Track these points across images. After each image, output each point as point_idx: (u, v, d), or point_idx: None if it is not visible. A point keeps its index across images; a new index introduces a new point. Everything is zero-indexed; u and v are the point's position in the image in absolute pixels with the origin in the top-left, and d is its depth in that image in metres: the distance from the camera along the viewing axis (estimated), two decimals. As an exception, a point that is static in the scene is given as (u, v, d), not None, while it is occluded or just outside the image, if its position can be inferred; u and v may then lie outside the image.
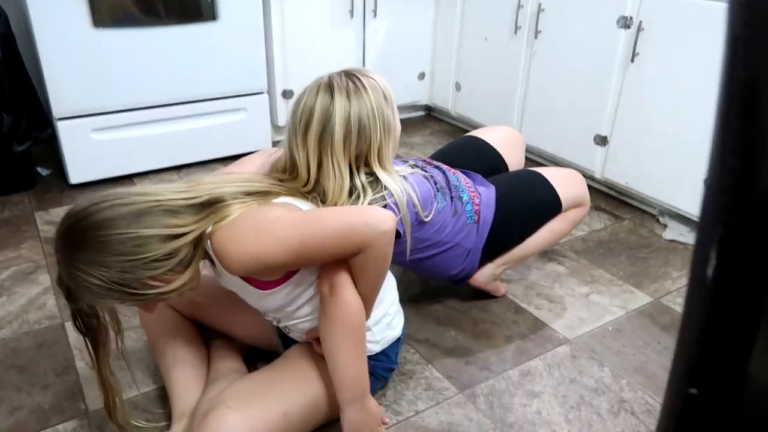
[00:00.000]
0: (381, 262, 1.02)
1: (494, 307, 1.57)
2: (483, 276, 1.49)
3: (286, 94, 2.44)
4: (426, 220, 1.24)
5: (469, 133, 1.71)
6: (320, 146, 1.10)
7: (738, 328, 0.33)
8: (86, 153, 2.11)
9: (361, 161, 1.14)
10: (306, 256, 0.98)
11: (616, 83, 1.98)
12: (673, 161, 1.87)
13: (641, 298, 1.62)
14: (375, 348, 1.18)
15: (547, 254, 1.81)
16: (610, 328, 1.50)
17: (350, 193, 1.12)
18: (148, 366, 1.32)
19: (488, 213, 1.39)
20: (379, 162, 1.15)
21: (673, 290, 1.66)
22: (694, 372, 0.35)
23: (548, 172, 1.51)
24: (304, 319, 1.13)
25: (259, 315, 1.27)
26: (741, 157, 0.30)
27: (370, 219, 0.98)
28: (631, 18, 1.88)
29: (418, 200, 1.20)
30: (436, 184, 1.31)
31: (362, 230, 0.97)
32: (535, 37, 2.23)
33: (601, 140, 2.08)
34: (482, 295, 1.60)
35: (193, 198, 0.94)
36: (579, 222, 1.54)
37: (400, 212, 1.15)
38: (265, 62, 2.33)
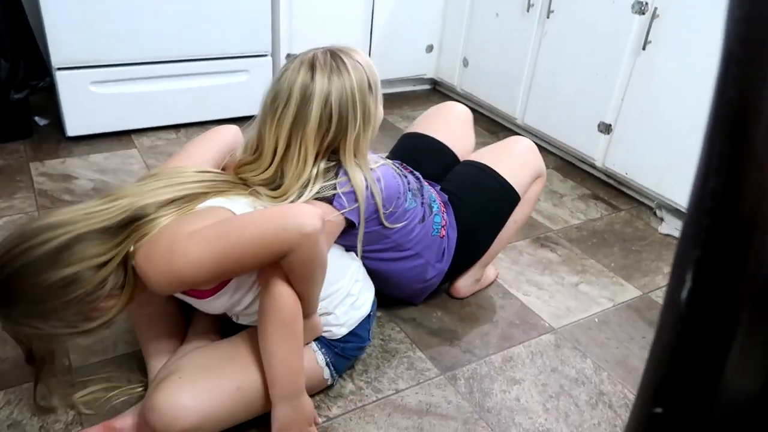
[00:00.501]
0: (308, 264, 0.96)
1: (482, 291, 1.57)
2: (464, 287, 1.48)
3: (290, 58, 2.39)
4: (385, 211, 1.17)
5: (412, 129, 1.57)
6: (291, 131, 1.06)
7: (708, 350, 0.33)
8: (84, 105, 2.08)
9: (330, 150, 1.10)
10: (226, 271, 0.94)
11: (625, 71, 1.95)
12: (676, 155, 1.85)
13: (630, 292, 1.62)
14: (341, 331, 1.17)
15: (540, 240, 1.81)
16: (596, 319, 1.51)
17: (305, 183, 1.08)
18: (132, 326, 1.33)
19: (453, 234, 1.37)
20: (355, 154, 1.10)
21: (663, 285, 1.66)
22: (661, 391, 0.35)
23: (498, 162, 1.41)
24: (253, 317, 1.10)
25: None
26: (725, 179, 0.29)
27: (290, 222, 0.92)
28: (646, 3, 1.84)
29: (381, 192, 1.14)
30: (408, 184, 1.27)
31: (280, 236, 0.92)
32: (548, 17, 2.18)
33: (605, 128, 2.06)
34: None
35: (110, 219, 0.89)
36: (539, 194, 1.49)
37: (356, 202, 1.11)
38: (270, 24, 2.29)
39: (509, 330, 1.44)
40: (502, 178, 1.40)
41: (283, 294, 0.98)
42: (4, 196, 1.77)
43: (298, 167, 1.07)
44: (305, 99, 1.05)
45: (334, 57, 1.08)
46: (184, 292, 1.03)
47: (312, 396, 1.19)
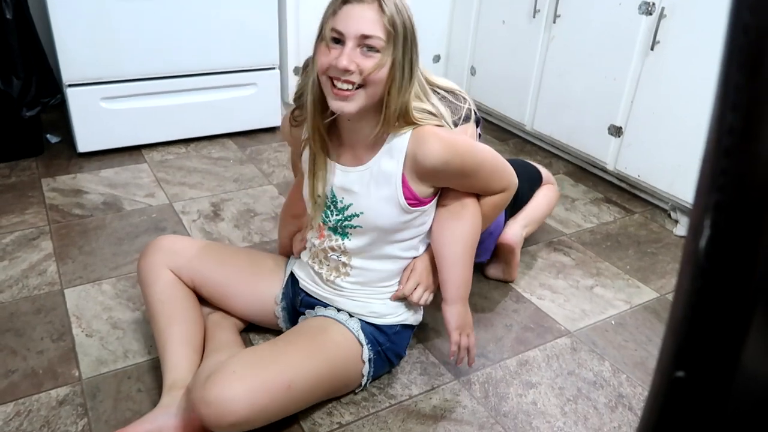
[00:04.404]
0: (503, 206, 1.23)
1: (495, 295, 1.54)
2: (513, 233, 1.51)
3: (298, 71, 2.41)
4: None
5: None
6: None
7: (731, 307, 0.30)
8: (95, 121, 2.10)
9: None
10: (477, 169, 1.13)
11: (634, 72, 1.93)
12: (688, 156, 1.82)
13: (647, 294, 1.58)
14: (407, 319, 1.22)
15: (553, 244, 1.78)
16: (612, 322, 1.47)
17: None
18: (143, 336, 1.32)
19: None
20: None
21: (680, 287, 1.62)
22: (682, 353, 0.32)
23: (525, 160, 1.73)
24: (379, 262, 1.17)
25: (260, 287, 1.26)
26: (743, 114, 0.26)
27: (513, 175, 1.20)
28: (653, 4, 1.83)
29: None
30: None
31: (512, 174, 1.19)
32: (554, 22, 2.18)
33: (616, 131, 2.03)
34: (485, 280, 1.58)
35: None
36: (558, 194, 1.73)
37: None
38: (277, 37, 2.30)
39: (524, 334, 1.41)
40: (531, 163, 1.68)
41: (479, 214, 1.16)
42: (16, 212, 1.78)
43: None
44: None
45: None
46: (416, 202, 1.11)
47: (331, 401, 1.17)
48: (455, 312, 1.17)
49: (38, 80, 1.98)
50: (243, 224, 1.78)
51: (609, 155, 2.08)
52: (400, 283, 1.19)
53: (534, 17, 2.25)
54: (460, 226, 1.15)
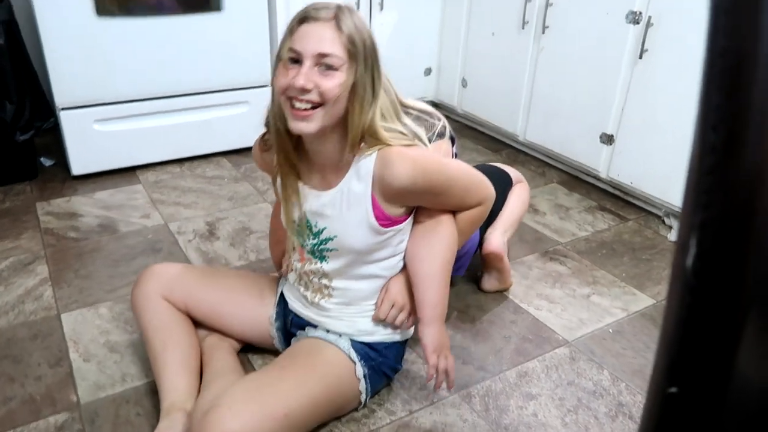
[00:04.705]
0: (481, 221, 1.21)
1: (493, 307, 1.54)
2: (496, 241, 1.49)
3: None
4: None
5: None
6: None
7: (720, 322, 0.31)
8: (88, 144, 2.10)
9: None
10: (449, 186, 1.10)
11: (624, 80, 1.95)
12: (680, 161, 1.83)
13: (643, 301, 1.59)
14: (395, 336, 1.21)
15: (549, 254, 1.79)
16: (610, 330, 1.47)
17: None
18: (140, 360, 1.31)
19: None
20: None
21: (677, 293, 1.63)
22: (674, 369, 0.33)
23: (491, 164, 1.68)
24: (359, 282, 1.15)
25: (254, 308, 1.26)
26: (723, 134, 0.27)
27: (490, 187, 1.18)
28: (640, 13, 1.85)
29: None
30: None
31: (488, 186, 1.17)
32: (543, 33, 2.20)
33: (607, 139, 2.05)
34: (482, 292, 1.58)
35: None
36: (529, 191, 1.68)
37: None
38: (269, 55, 2.32)
39: (522, 345, 1.42)
40: (498, 166, 1.65)
41: (454, 230, 1.14)
42: (11, 237, 1.77)
43: None
44: None
45: None
46: (389, 222, 1.09)
47: (339, 418, 1.17)
48: (432, 333, 1.13)
49: (31, 104, 1.98)
50: (239, 242, 1.78)
51: (601, 163, 2.10)
52: (376, 305, 1.18)
53: (523, 29, 2.27)
54: (435, 244, 1.13)
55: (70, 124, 2.05)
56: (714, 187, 0.28)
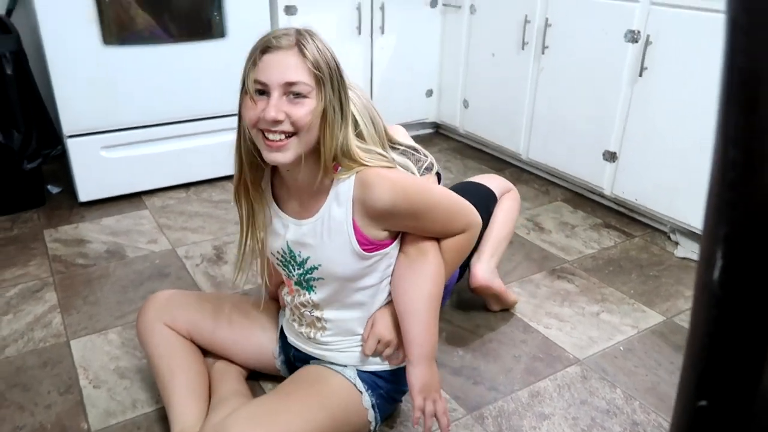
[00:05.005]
0: (468, 249, 1.17)
1: (502, 326, 1.54)
2: (481, 272, 1.44)
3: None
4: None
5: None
6: None
7: (748, 333, 0.31)
8: (95, 170, 2.12)
9: None
10: (430, 209, 1.07)
11: (625, 98, 1.97)
12: (684, 177, 1.84)
13: (653, 317, 1.58)
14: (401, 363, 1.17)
15: (556, 272, 1.79)
16: (621, 347, 1.47)
17: None
18: (150, 386, 1.31)
19: None
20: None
21: (686, 309, 1.63)
22: (703, 382, 0.33)
23: (473, 179, 1.63)
24: (351, 311, 1.13)
25: (258, 339, 1.25)
26: (743, 148, 0.28)
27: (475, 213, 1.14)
28: (638, 32, 1.88)
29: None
30: None
31: (473, 212, 1.13)
32: (543, 53, 2.23)
33: (610, 156, 2.06)
34: (490, 312, 1.58)
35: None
36: (518, 199, 1.62)
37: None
38: (273, 80, 2.34)
39: (533, 364, 1.41)
40: (475, 182, 1.59)
41: (440, 262, 1.09)
42: (19, 264, 1.78)
43: None
44: None
45: None
46: (372, 246, 1.06)
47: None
48: (418, 374, 1.06)
49: (39, 133, 2.00)
50: (246, 266, 1.78)
51: (605, 180, 2.11)
52: (362, 340, 1.14)
53: (523, 49, 2.30)
54: (421, 278, 1.08)
55: (77, 151, 2.07)
56: (737, 200, 0.28)
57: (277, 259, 1.15)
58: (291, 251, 1.10)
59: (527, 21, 2.25)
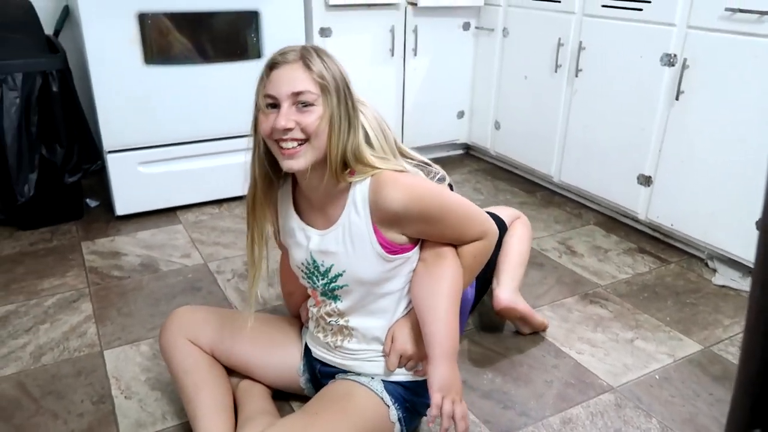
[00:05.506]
0: (485, 256, 1.17)
1: (533, 350, 1.51)
2: (503, 294, 1.44)
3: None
4: None
5: None
6: None
7: None
8: (132, 185, 2.17)
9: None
10: (444, 214, 1.09)
11: (660, 122, 1.94)
12: (722, 202, 1.80)
13: (690, 346, 1.54)
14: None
15: (588, 297, 1.75)
16: (657, 376, 1.43)
17: None
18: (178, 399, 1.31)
19: None
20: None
21: (725, 338, 1.58)
22: (758, 409, 0.32)
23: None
24: (376, 318, 1.14)
25: (281, 357, 1.25)
26: None
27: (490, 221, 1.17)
28: (675, 56, 1.86)
29: None
30: None
31: (489, 220, 1.15)
32: (576, 76, 2.22)
33: (645, 180, 2.03)
34: (520, 335, 1.56)
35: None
36: (529, 225, 1.61)
37: None
38: (306, 99, 2.38)
39: (565, 390, 1.38)
40: (488, 211, 1.55)
41: (458, 265, 1.12)
42: (57, 274, 1.82)
43: None
44: None
45: None
46: (394, 249, 1.09)
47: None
48: (439, 373, 1.05)
49: (80, 148, 2.07)
50: (276, 282, 1.79)
51: (640, 205, 2.07)
52: (384, 353, 1.15)
53: (556, 72, 2.30)
54: (440, 279, 1.10)
55: (116, 166, 2.13)
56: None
57: (302, 271, 1.17)
58: (314, 261, 1.13)
59: (561, 44, 2.24)
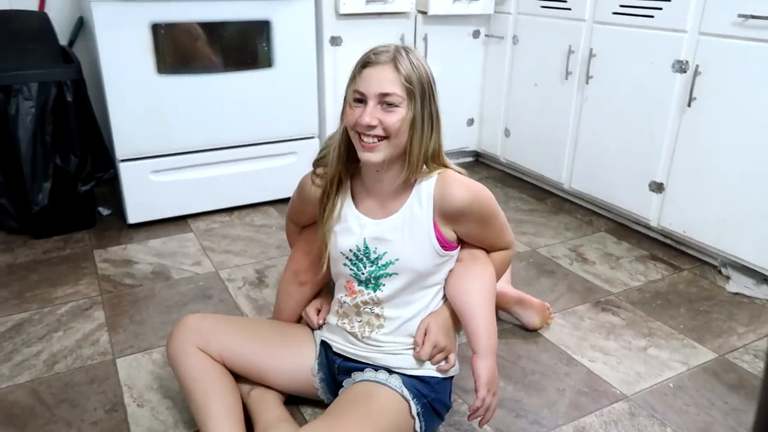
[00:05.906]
0: (507, 265, 1.30)
1: (545, 358, 1.50)
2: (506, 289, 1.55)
3: (337, 138, 2.48)
4: None
5: None
6: None
7: None
8: (144, 194, 2.19)
9: None
10: (493, 218, 1.19)
11: (672, 128, 1.94)
12: (734, 209, 1.79)
13: (704, 354, 1.52)
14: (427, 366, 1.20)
15: (600, 304, 1.74)
16: (671, 384, 1.41)
17: None
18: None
19: None
20: None
21: (740, 346, 1.56)
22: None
23: None
24: (411, 310, 1.19)
25: (294, 360, 1.25)
26: None
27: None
28: (687, 62, 1.85)
29: None
30: None
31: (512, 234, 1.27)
32: (587, 83, 2.21)
33: (657, 187, 2.02)
34: (532, 343, 1.55)
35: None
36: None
37: None
38: (316, 109, 2.40)
39: (578, 398, 1.37)
40: None
41: (490, 262, 1.22)
42: (70, 282, 1.84)
43: None
44: None
45: None
46: (447, 245, 1.17)
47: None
48: (487, 366, 1.12)
49: (93, 157, 2.09)
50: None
51: (651, 212, 2.06)
52: (415, 344, 1.18)
53: (566, 79, 2.29)
54: (478, 276, 1.19)
55: (128, 175, 2.15)
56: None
57: (348, 258, 1.19)
58: (366, 248, 1.17)
59: (571, 51, 2.24)
